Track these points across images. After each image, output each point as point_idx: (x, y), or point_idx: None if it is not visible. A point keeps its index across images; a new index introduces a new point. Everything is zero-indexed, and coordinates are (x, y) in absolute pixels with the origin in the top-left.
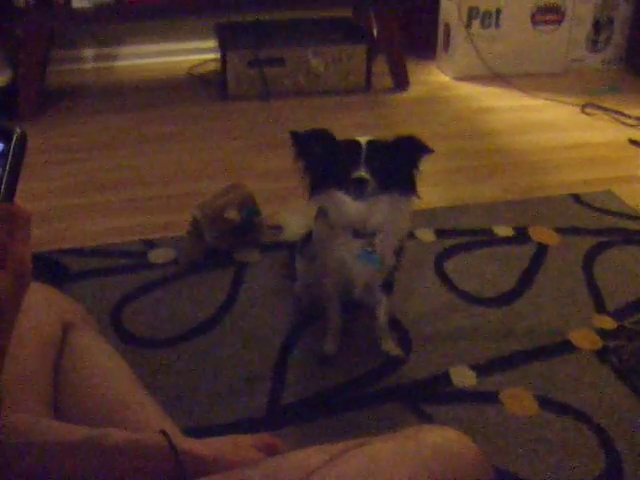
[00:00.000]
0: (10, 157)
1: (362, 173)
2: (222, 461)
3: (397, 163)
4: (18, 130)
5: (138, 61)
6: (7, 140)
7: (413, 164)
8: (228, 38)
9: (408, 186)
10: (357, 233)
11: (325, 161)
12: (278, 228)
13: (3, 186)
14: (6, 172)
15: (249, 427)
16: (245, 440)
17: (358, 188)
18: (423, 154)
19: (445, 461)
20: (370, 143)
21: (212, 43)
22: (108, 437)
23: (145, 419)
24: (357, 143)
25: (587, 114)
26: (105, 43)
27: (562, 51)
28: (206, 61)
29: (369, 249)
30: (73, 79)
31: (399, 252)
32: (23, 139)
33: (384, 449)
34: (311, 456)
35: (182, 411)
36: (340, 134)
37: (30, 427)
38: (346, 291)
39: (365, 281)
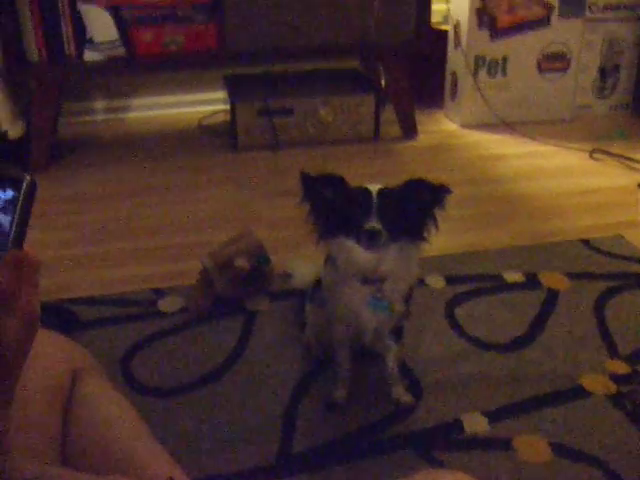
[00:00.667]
0: (20, 204)
1: (374, 225)
2: None
3: (408, 209)
4: (28, 177)
5: (149, 113)
6: (17, 187)
7: (426, 208)
8: (237, 89)
9: (418, 232)
10: (366, 279)
11: (335, 207)
12: (288, 275)
13: (12, 233)
14: (16, 219)
15: (259, 476)
16: None
17: (371, 240)
18: (442, 195)
19: None
20: (381, 192)
21: (222, 94)
22: None
23: (153, 467)
24: (368, 192)
25: (595, 160)
26: (116, 95)
27: (569, 98)
28: (216, 112)
29: (378, 295)
30: (84, 131)
31: (409, 298)
32: (33, 186)
33: None
34: None
35: (192, 460)
36: (349, 183)
37: (38, 475)
38: (356, 338)
39: (375, 327)
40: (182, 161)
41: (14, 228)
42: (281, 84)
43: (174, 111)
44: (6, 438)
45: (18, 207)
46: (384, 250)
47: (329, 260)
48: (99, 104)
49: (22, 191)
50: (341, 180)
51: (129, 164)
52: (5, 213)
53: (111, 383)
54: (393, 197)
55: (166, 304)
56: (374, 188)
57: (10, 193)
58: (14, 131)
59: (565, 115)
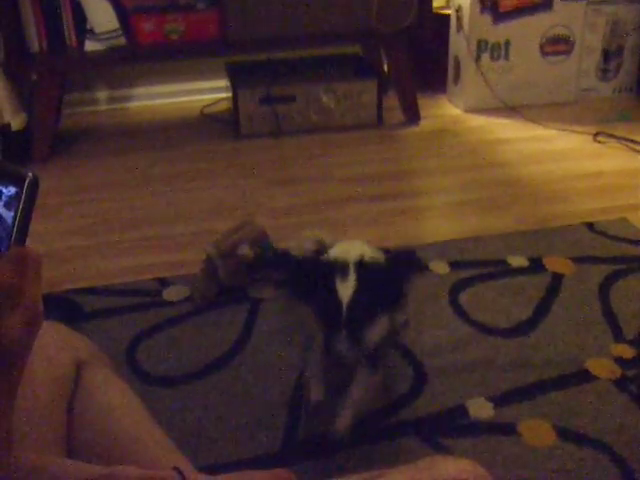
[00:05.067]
0: (22, 201)
1: (343, 348)
2: None
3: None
4: (30, 174)
5: (151, 102)
6: (20, 184)
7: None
8: (239, 77)
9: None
10: None
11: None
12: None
13: (15, 229)
14: (18, 216)
15: (265, 463)
16: (260, 476)
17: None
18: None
19: None
20: (353, 302)
21: (224, 82)
22: (122, 474)
23: (158, 456)
24: (338, 304)
25: (599, 143)
26: (118, 85)
27: (572, 81)
28: (218, 100)
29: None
30: (87, 121)
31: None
32: (35, 183)
33: None
34: None
35: (197, 448)
36: (352, 170)
37: (42, 466)
38: None
39: None
40: (185, 150)
41: (17, 225)
42: (283, 71)
43: (176, 100)
44: (9, 433)
45: (21, 203)
46: None
47: None
48: (101, 94)
49: (25, 188)
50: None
51: (132, 154)
52: (8, 209)
53: (116, 373)
54: (367, 301)
55: (171, 293)
56: (346, 293)
57: (13, 189)
58: (16, 123)
59: (569, 98)
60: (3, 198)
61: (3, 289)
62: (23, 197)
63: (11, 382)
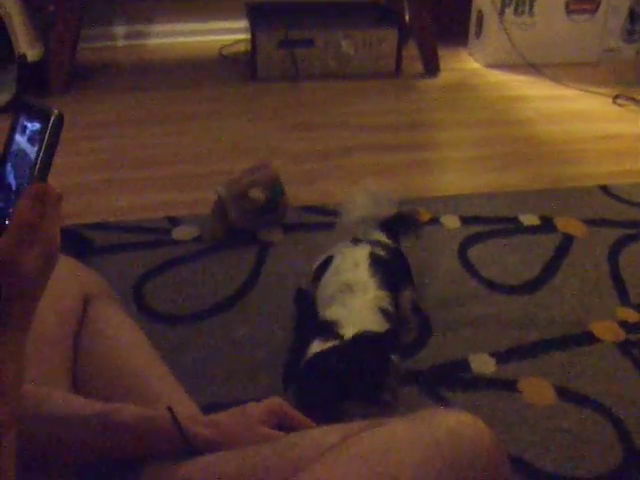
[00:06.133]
0: (46, 138)
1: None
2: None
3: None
4: (56, 111)
5: (169, 40)
6: (44, 120)
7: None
8: (258, 18)
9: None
10: None
11: None
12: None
13: (37, 166)
14: (42, 152)
15: None
16: (254, 409)
17: None
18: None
19: (459, 445)
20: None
21: (243, 23)
22: (118, 413)
23: (161, 393)
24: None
25: (619, 105)
26: (137, 21)
27: (596, 41)
28: (237, 41)
29: None
30: (104, 56)
31: None
32: (60, 120)
33: (398, 430)
34: (326, 435)
35: (200, 387)
36: (368, 118)
37: (43, 399)
38: None
39: None
40: (201, 90)
41: (39, 161)
42: (303, 15)
43: (195, 39)
44: (23, 367)
45: (45, 139)
46: None
47: None
48: (119, 30)
49: (50, 125)
50: None
51: (148, 92)
52: (32, 144)
53: (123, 309)
54: None
55: (180, 232)
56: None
57: (37, 125)
58: (33, 54)
59: (591, 58)
60: (27, 133)
61: (23, 224)
62: (47, 134)
63: (26, 315)
